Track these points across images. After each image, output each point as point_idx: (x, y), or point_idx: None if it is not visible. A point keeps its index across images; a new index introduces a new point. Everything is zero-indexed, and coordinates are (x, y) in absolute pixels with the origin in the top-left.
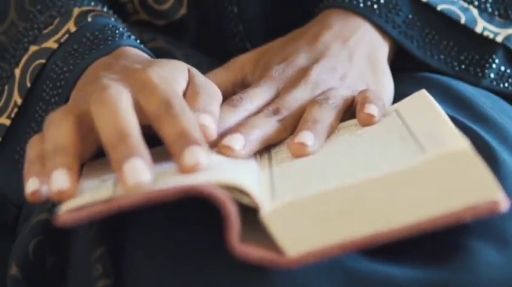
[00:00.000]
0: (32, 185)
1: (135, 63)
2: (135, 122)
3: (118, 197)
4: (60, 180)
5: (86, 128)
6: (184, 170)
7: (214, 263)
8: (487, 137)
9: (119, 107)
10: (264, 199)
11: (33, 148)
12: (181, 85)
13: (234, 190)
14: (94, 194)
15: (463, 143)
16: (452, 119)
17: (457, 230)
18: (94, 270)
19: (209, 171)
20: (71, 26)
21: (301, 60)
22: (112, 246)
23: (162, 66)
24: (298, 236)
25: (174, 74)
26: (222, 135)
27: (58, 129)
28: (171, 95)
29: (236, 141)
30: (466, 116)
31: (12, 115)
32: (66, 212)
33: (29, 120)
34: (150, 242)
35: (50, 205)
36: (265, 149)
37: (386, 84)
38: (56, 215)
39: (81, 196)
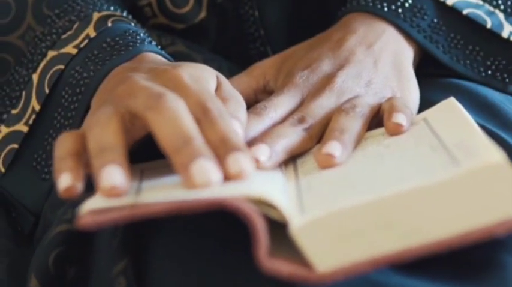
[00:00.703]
0: (65, 181)
1: (161, 65)
2: (197, 128)
3: (143, 204)
4: (113, 176)
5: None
6: (229, 177)
7: (241, 278)
8: None
9: (179, 115)
10: (293, 212)
11: (63, 145)
12: (213, 87)
13: (261, 203)
14: (118, 198)
15: (497, 155)
16: (481, 127)
17: (491, 245)
18: (117, 284)
19: (236, 183)
20: (91, 31)
21: (325, 66)
22: (135, 259)
23: (192, 67)
24: (328, 252)
25: (204, 75)
26: (247, 145)
27: (105, 129)
28: (207, 97)
29: (261, 152)
30: (495, 125)
31: (30, 122)
32: (87, 214)
33: (47, 128)
34: (174, 256)
35: (70, 215)
36: (291, 159)
37: (412, 90)
38: (77, 216)
39: (102, 199)
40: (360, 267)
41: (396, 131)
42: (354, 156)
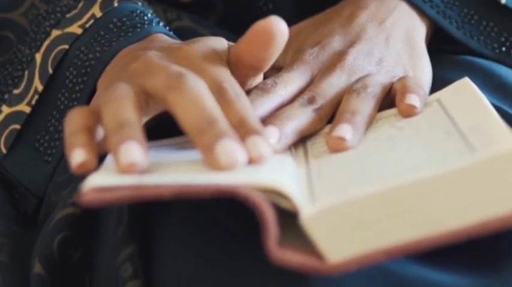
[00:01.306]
0: (78, 156)
1: (172, 44)
2: (219, 109)
3: (148, 185)
4: (132, 152)
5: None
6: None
7: (250, 268)
8: None
9: (202, 96)
10: (303, 201)
11: (74, 120)
12: (226, 64)
13: (272, 192)
14: (123, 177)
15: None
16: (496, 107)
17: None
18: (123, 270)
19: (246, 170)
20: (96, 11)
21: (336, 43)
22: (141, 245)
23: (204, 43)
24: (340, 241)
25: (218, 51)
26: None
27: (122, 105)
28: (223, 77)
29: (271, 135)
30: (510, 105)
31: (33, 102)
32: (91, 192)
33: (50, 109)
34: (182, 243)
35: (74, 199)
36: (300, 141)
37: (425, 67)
38: (80, 193)
39: (107, 176)
40: (373, 257)
41: (409, 112)
42: (365, 139)
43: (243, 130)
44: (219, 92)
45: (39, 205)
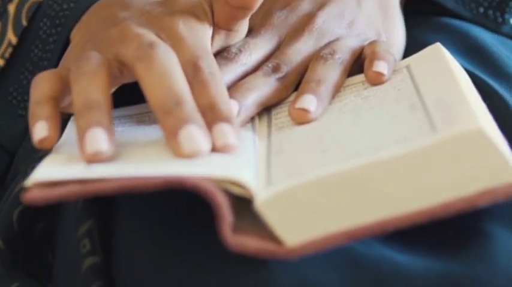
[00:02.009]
0: (40, 131)
1: (153, 4)
2: (188, 88)
3: (93, 180)
4: (98, 140)
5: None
6: (212, 148)
7: (207, 251)
8: (507, 95)
9: (171, 72)
10: (258, 185)
11: (40, 86)
12: (208, 34)
13: (223, 180)
14: (70, 169)
15: (477, 121)
16: (469, 73)
17: (477, 215)
18: (81, 246)
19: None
20: None
21: (305, 5)
22: (100, 220)
23: (187, 11)
24: (297, 225)
25: (200, 20)
26: None
27: (92, 83)
28: (200, 54)
29: None
30: (485, 71)
31: (6, 55)
32: (34, 189)
33: (24, 61)
34: (141, 219)
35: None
36: (265, 110)
37: (398, 30)
38: (24, 188)
39: (54, 168)
40: (332, 240)
41: (377, 80)
42: (330, 109)
43: (211, 115)
44: (193, 71)
45: (9, 166)
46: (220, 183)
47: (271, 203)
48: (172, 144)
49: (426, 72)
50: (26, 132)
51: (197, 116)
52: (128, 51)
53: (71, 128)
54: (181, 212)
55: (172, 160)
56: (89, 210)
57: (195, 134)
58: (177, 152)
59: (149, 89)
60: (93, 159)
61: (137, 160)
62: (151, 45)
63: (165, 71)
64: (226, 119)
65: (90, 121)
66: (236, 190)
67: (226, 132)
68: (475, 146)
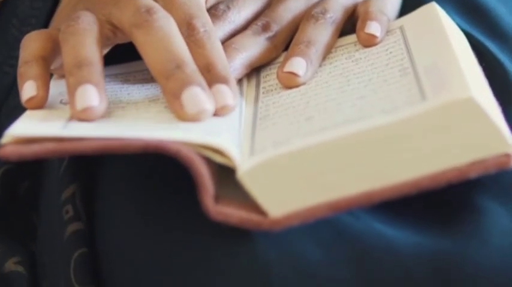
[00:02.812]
0: (29, 90)
1: None
2: (187, 50)
3: (70, 138)
4: (88, 96)
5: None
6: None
7: (191, 222)
8: (504, 58)
9: (170, 36)
10: (241, 153)
11: (30, 46)
12: None
13: (205, 147)
14: (48, 126)
15: (468, 89)
16: (466, 34)
17: (468, 188)
18: (64, 212)
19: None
20: None
21: None
22: (84, 184)
23: None
24: (280, 196)
25: None
26: None
27: (82, 41)
28: (194, 12)
29: None
30: (483, 32)
31: None
32: (9, 145)
33: (9, 16)
34: (126, 182)
35: None
36: (254, 70)
37: None
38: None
39: (32, 124)
40: (316, 212)
41: (368, 42)
42: (320, 72)
43: (209, 76)
44: (188, 30)
45: None
46: (202, 150)
47: (254, 173)
48: (176, 106)
49: (420, 34)
50: (10, 89)
51: (199, 77)
52: (123, 16)
53: (52, 86)
54: (168, 178)
55: (153, 123)
56: (72, 173)
57: (198, 95)
58: (181, 114)
59: (149, 54)
60: (84, 115)
61: (118, 120)
62: (149, 11)
63: (164, 36)
64: (224, 80)
65: (80, 78)
66: (218, 159)
67: (224, 93)
68: (466, 115)
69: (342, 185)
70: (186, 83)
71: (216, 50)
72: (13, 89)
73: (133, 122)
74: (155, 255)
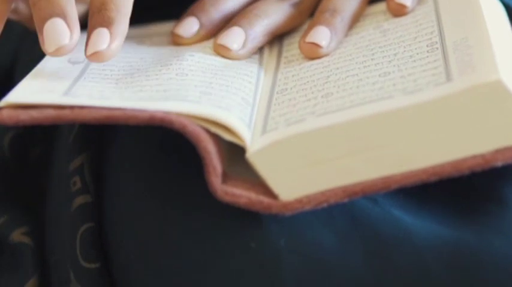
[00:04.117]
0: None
1: None
2: None
3: (71, 106)
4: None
5: None
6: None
7: (200, 202)
8: None
9: None
10: (255, 129)
11: None
12: None
13: (214, 123)
14: (48, 93)
15: (497, 71)
16: (505, 5)
17: (493, 178)
18: (72, 183)
19: (191, 93)
20: None
21: None
22: (94, 155)
23: None
24: (291, 179)
25: None
26: (216, 28)
27: None
28: None
29: (233, 38)
30: None
31: None
32: (6, 109)
33: None
34: (135, 155)
35: None
36: (278, 38)
37: None
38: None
39: (33, 90)
40: (330, 196)
41: (398, 12)
42: (345, 42)
43: (97, 17)
44: None
45: None
46: (209, 126)
47: (264, 153)
48: (40, 41)
49: (453, 5)
50: None
51: (65, 5)
52: None
53: None
54: (181, 151)
55: (162, 92)
56: (82, 143)
57: (57, 27)
58: (44, 51)
59: None
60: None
61: (125, 88)
62: None
63: None
64: (107, 22)
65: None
66: (226, 136)
67: (100, 37)
68: (493, 98)
69: (358, 169)
70: (47, 13)
71: None
72: None
73: (140, 90)
74: (163, 235)
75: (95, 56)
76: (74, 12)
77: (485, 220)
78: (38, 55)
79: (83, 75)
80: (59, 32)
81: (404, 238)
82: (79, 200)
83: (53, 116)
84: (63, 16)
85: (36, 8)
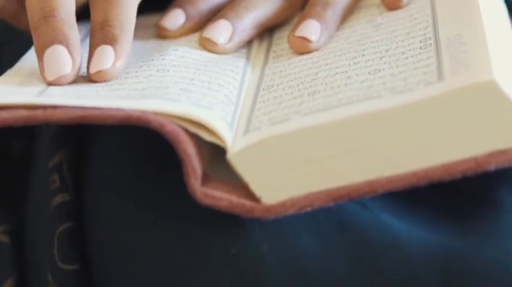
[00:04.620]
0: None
1: None
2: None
3: (44, 106)
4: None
5: None
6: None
7: (181, 203)
8: None
9: None
10: (238, 127)
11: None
12: None
13: (193, 122)
14: (22, 93)
15: (491, 69)
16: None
17: (486, 181)
18: (51, 181)
19: (173, 86)
20: None
21: None
22: (74, 152)
23: None
24: (275, 181)
25: None
26: (203, 20)
27: (121, 2)
28: None
29: (220, 32)
30: None
31: None
32: None
33: None
34: (116, 153)
35: None
36: (268, 30)
37: None
38: None
39: (5, 91)
40: (315, 200)
41: (392, 5)
42: (336, 36)
43: (100, 34)
44: None
45: None
46: (188, 126)
47: (246, 155)
48: (40, 68)
49: (449, 0)
50: None
51: (67, 31)
52: None
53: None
54: (165, 150)
55: (140, 90)
56: (61, 138)
57: (59, 55)
58: (43, 78)
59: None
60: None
61: (102, 86)
62: None
63: None
64: (112, 39)
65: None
66: (206, 136)
67: (104, 55)
68: (486, 99)
69: (344, 172)
70: (48, 40)
71: (121, 4)
72: None
73: (118, 89)
74: (142, 237)
75: (98, 75)
76: (77, 39)
77: (478, 226)
78: (21, 49)
79: None
80: (61, 61)
81: (393, 244)
82: (57, 199)
83: (25, 117)
84: (66, 43)
85: (37, 33)
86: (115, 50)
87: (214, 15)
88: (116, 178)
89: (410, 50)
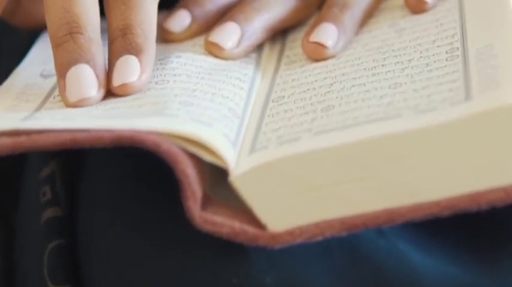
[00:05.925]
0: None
1: None
2: (93, 9)
3: (28, 131)
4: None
5: None
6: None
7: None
8: None
9: None
10: (242, 146)
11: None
12: None
13: (193, 142)
14: (7, 117)
15: None
16: None
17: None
18: (41, 194)
19: (172, 100)
20: None
21: None
22: (67, 162)
23: None
24: (283, 206)
25: None
26: (210, 21)
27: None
28: None
29: (227, 36)
30: None
31: None
32: None
33: None
34: (112, 166)
35: None
36: (281, 32)
37: None
38: None
39: None
40: (326, 228)
41: (417, 8)
42: (355, 42)
43: (122, 42)
44: None
45: None
46: (187, 146)
47: (250, 177)
48: (60, 87)
49: (479, 3)
50: None
51: (94, 49)
52: None
53: (36, 50)
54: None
55: (136, 107)
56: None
57: (83, 76)
58: (63, 99)
59: (48, 13)
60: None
61: (96, 105)
62: None
63: None
64: (136, 49)
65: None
66: (206, 157)
67: (129, 67)
68: None
69: (359, 199)
70: (73, 58)
71: (143, 9)
72: None
73: (112, 107)
74: (137, 258)
75: (123, 89)
76: (103, 60)
77: (505, 264)
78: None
79: (53, 92)
80: (86, 82)
81: (412, 278)
82: (48, 213)
83: (9, 145)
84: (92, 63)
85: (61, 49)
86: (140, 61)
87: (222, 16)
88: (111, 194)
89: (435, 62)
